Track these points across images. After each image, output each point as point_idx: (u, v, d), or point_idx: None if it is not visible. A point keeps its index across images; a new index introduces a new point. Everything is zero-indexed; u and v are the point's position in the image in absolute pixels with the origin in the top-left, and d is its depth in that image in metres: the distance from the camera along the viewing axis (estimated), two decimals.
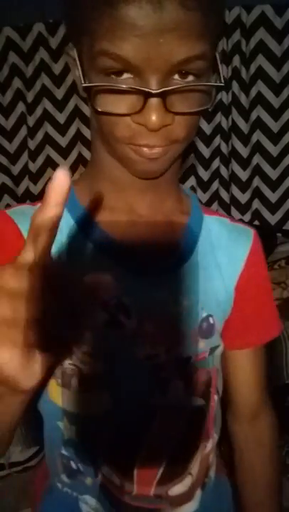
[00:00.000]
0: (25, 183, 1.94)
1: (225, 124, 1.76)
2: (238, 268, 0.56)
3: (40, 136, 1.88)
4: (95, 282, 0.29)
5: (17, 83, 1.84)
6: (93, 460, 0.51)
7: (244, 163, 1.78)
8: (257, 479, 0.61)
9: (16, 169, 1.94)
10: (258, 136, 1.77)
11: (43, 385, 0.50)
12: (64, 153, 1.89)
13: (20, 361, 0.28)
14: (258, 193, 1.82)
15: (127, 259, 0.49)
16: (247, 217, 1.84)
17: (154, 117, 0.38)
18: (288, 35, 1.67)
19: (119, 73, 0.39)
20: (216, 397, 0.57)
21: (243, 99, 1.74)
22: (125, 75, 0.39)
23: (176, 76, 0.39)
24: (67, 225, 0.49)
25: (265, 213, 1.83)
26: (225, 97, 1.74)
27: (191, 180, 1.84)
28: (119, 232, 0.49)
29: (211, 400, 0.55)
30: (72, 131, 1.87)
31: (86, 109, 1.84)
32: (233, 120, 1.76)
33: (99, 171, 0.50)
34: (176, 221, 0.53)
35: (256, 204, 1.83)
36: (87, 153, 1.87)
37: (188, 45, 0.37)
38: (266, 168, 1.79)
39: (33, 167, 1.90)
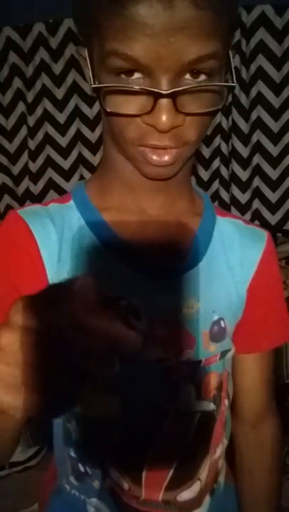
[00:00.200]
0: (26, 183, 1.94)
1: (225, 124, 1.76)
2: (251, 271, 0.55)
3: (40, 136, 1.87)
4: (115, 334, 0.25)
5: (17, 83, 1.83)
6: (101, 463, 0.51)
7: (244, 163, 1.78)
8: (254, 485, 0.60)
9: (16, 169, 1.93)
10: (258, 136, 1.77)
11: None
12: (64, 153, 1.89)
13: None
14: (258, 193, 1.82)
15: (137, 260, 0.48)
16: (247, 217, 1.84)
17: (164, 118, 0.37)
18: (288, 35, 1.67)
19: (129, 73, 0.38)
20: (226, 402, 0.56)
21: (243, 99, 1.74)
22: (136, 75, 0.38)
23: (188, 76, 0.38)
24: (77, 224, 0.48)
25: (265, 213, 1.83)
26: None
27: (191, 180, 1.84)
28: (130, 233, 0.49)
29: (221, 405, 0.55)
30: (72, 131, 1.86)
31: (86, 109, 1.83)
32: (233, 120, 1.76)
33: (110, 171, 0.50)
34: (187, 222, 0.52)
35: (256, 204, 1.83)
36: (87, 153, 1.87)
37: (200, 44, 0.36)
38: (266, 168, 1.79)
39: (33, 167, 1.90)
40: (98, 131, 1.84)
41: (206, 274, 0.50)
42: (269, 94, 1.72)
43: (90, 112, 1.83)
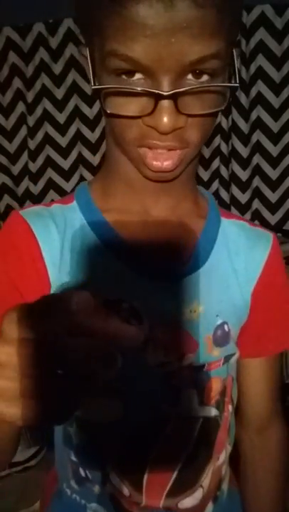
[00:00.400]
0: (26, 183, 1.94)
1: (225, 124, 1.76)
2: (256, 274, 0.53)
3: (40, 136, 1.87)
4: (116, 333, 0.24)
5: (17, 83, 1.84)
6: (101, 467, 0.50)
7: (244, 163, 1.78)
8: (259, 491, 0.59)
9: (16, 169, 1.94)
10: (258, 136, 1.77)
11: None
12: (64, 153, 1.89)
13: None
14: (258, 193, 1.82)
15: (140, 262, 0.47)
16: (247, 217, 1.84)
17: (165, 120, 0.37)
18: (288, 35, 1.67)
19: (130, 74, 0.37)
20: (230, 407, 0.55)
21: (243, 99, 1.74)
22: (137, 76, 0.37)
23: (190, 76, 0.37)
24: (79, 225, 0.48)
25: (265, 213, 1.83)
26: None
27: None
28: (132, 234, 0.48)
29: (225, 410, 0.53)
30: (72, 131, 1.87)
31: (86, 109, 1.83)
32: (233, 120, 1.76)
33: (113, 172, 0.49)
34: (191, 224, 0.51)
35: (256, 204, 1.83)
36: (87, 153, 1.87)
37: (202, 45, 0.35)
38: (266, 168, 1.79)
39: (33, 167, 1.90)
40: (98, 131, 1.84)
41: (209, 277, 0.49)
42: (269, 94, 1.73)
43: (90, 112, 1.83)
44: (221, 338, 0.50)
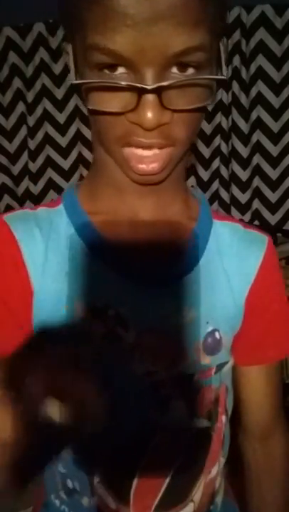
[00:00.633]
0: (26, 183, 1.94)
1: (225, 124, 1.76)
2: (250, 279, 0.51)
3: (40, 136, 1.87)
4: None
5: (17, 83, 1.83)
6: (89, 479, 0.48)
7: (244, 163, 1.78)
8: (264, 502, 0.57)
9: (16, 169, 1.93)
10: (258, 136, 1.77)
11: None
12: (64, 153, 1.89)
13: None
14: (258, 193, 1.82)
15: (127, 267, 0.46)
16: (247, 217, 1.84)
17: (149, 115, 0.35)
18: (288, 35, 1.67)
19: (112, 68, 0.35)
20: (224, 418, 0.52)
21: (243, 99, 1.74)
22: (120, 70, 0.35)
23: (175, 69, 0.35)
24: (65, 229, 0.46)
25: (265, 213, 1.83)
26: (225, 97, 1.74)
27: (191, 181, 1.84)
28: (120, 238, 0.46)
29: (217, 421, 0.51)
30: (72, 131, 1.86)
31: (86, 109, 1.83)
32: (233, 120, 1.76)
33: (100, 174, 0.48)
34: (181, 227, 0.49)
35: (256, 204, 1.83)
36: (87, 153, 1.87)
37: (186, 35, 0.33)
38: (266, 168, 1.79)
39: (33, 167, 1.90)
40: None
41: (199, 282, 0.47)
42: (269, 94, 1.72)
43: None
44: (211, 346, 0.48)
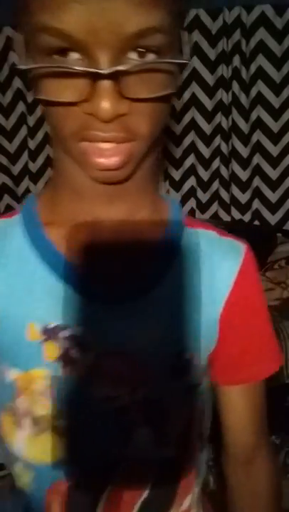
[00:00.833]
0: (26, 183, 1.94)
1: (225, 124, 1.76)
2: (224, 292, 0.46)
3: (40, 136, 1.87)
4: None
5: (17, 83, 1.84)
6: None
7: (244, 163, 1.78)
8: None
9: (16, 169, 1.94)
10: (258, 136, 1.77)
11: None
12: None
13: None
14: (258, 193, 1.82)
15: (86, 283, 0.41)
16: (247, 217, 1.84)
17: (104, 104, 0.31)
18: (288, 35, 1.67)
19: (63, 53, 0.32)
20: (198, 444, 0.48)
21: (243, 99, 1.74)
22: (72, 55, 0.32)
23: (133, 55, 0.32)
24: (20, 242, 0.43)
25: (265, 213, 1.83)
26: (225, 97, 1.74)
27: (191, 180, 1.84)
28: (78, 251, 0.42)
29: (190, 449, 0.47)
30: None
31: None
32: (233, 120, 1.76)
33: (59, 177, 0.43)
34: (148, 235, 0.44)
35: (256, 204, 1.83)
36: None
37: (143, 14, 0.30)
38: (266, 168, 1.79)
39: (33, 167, 1.90)
40: None
41: (168, 298, 0.43)
42: (269, 94, 1.73)
43: None
44: (181, 368, 0.44)
